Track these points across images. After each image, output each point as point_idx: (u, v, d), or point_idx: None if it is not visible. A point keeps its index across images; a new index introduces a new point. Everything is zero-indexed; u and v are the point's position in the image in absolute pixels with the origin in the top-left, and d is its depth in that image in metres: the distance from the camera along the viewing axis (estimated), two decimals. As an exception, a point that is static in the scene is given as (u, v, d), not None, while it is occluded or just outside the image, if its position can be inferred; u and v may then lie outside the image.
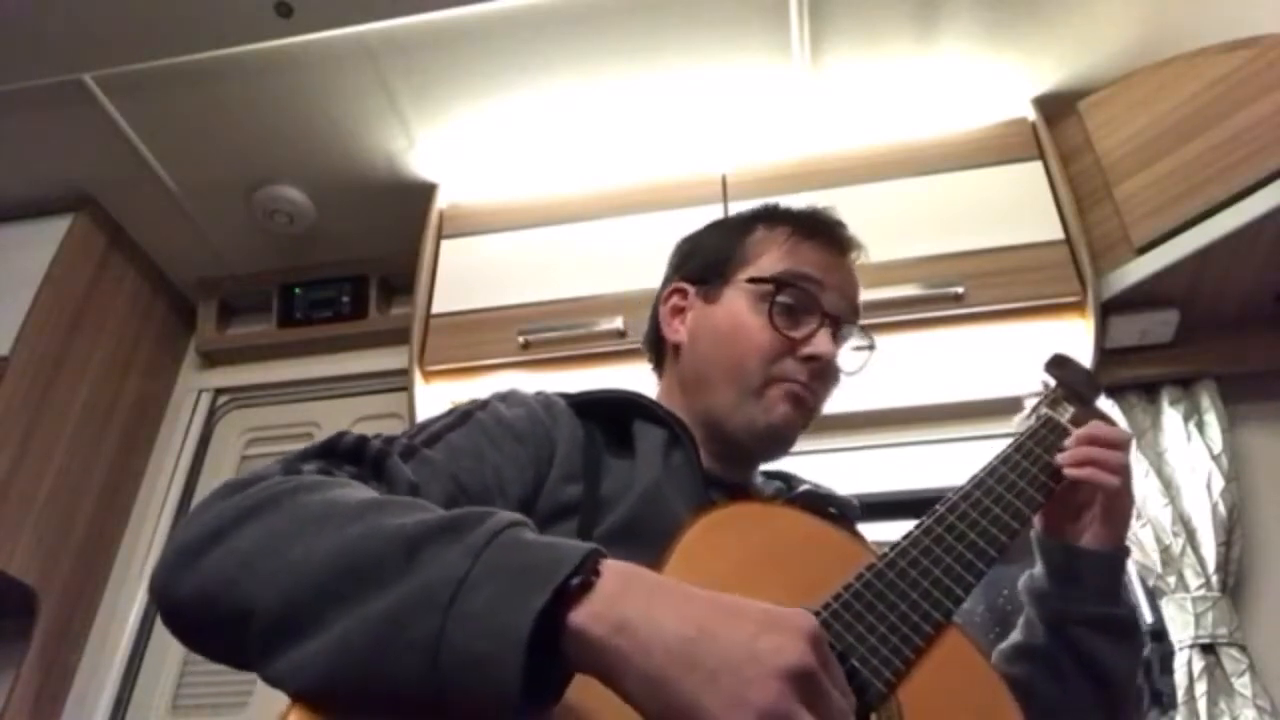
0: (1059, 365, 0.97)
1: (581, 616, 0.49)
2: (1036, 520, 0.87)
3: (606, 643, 0.48)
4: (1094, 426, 0.87)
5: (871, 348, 0.96)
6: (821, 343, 0.88)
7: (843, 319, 0.92)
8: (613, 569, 0.52)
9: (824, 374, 0.90)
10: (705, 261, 0.98)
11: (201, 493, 2.09)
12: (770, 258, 0.93)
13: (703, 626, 0.48)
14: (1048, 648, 0.85)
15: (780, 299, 0.89)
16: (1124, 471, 0.84)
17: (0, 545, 1.77)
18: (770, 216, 0.98)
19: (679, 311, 0.97)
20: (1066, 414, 0.91)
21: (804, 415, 0.90)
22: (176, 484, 2.10)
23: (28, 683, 1.78)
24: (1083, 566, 0.84)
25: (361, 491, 0.62)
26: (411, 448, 0.73)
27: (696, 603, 0.50)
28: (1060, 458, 0.85)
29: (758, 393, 0.88)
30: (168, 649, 1.90)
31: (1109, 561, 0.84)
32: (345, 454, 0.70)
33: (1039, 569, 0.88)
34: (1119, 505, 0.84)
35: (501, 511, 0.56)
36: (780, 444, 0.92)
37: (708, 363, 0.92)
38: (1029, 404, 0.95)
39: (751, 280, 0.91)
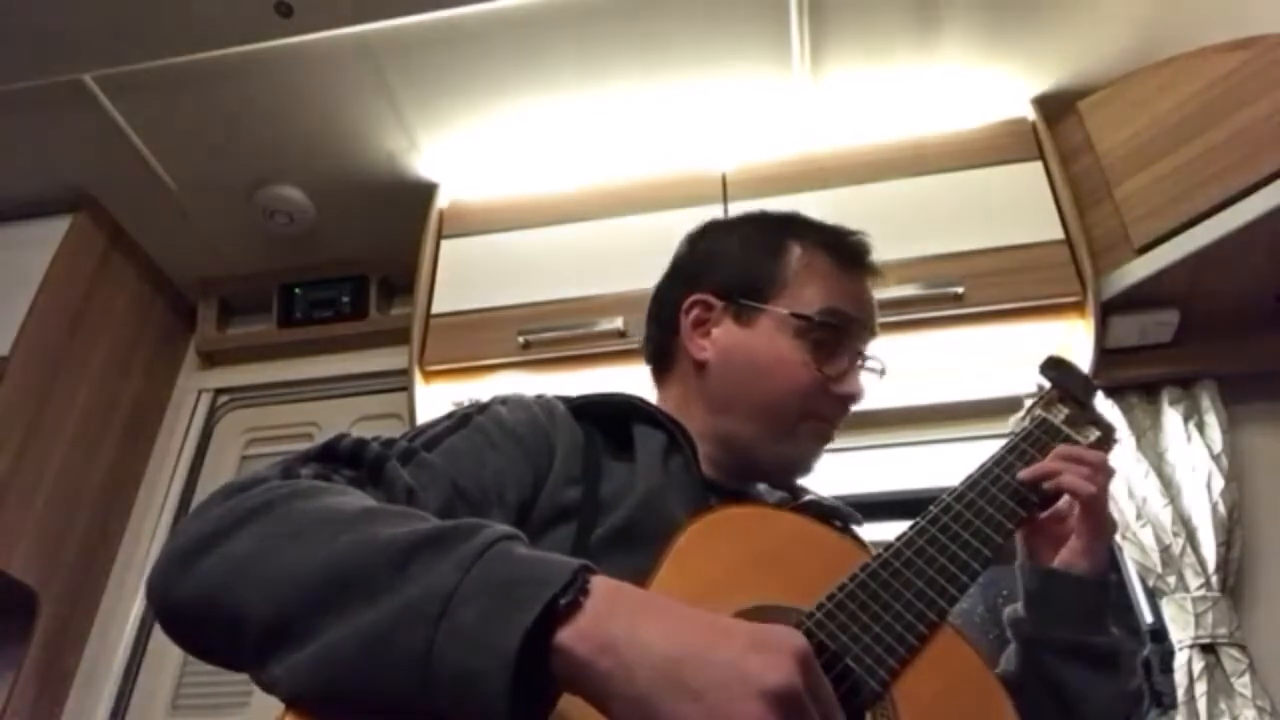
0: (1054, 367, 0.97)
1: (567, 636, 0.49)
2: (1020, 550, 0.86)
3: (591, 662, 0.48)
4: (1070, 448, 0.85)
5: (882, 373, 0.97)
6: (855, 383, 0.91)
7: (865, 350, 0.94)
8: (602, 586, 0.51)
9: (848, 407, 0.93)
10: (735, 278, 0.94)
11: (201, 493, 2.09)
12: (813, 291, 0.91)
13: (690, 646, 0.48)
14: (1019, 676, 0.82)
15: (824, 337, 0.90)
16: (1097, 481, 0.81)
17: (0, 545, 1.77)
18: (804, 236, 0.96)
19: (701, 324, 0.94)
20: (1061, 415, 0.91)
21: (825, 446, 0.93)
22: (176, 484, 2.10)
23: (28, 683, 1.78)
24: (1054, 588, 0.82)
25: (357, 499, 0.62)
26: (411, 451, 0.73)
27: (686, 622, 0.50)
28: (1023, 474, 0.83)
29: (791, 430, 0.90)
30: (168, 649, 1.90)
31: (1082, 586, 0.81)
32: (344, 457, 0.69)
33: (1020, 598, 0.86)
34: (1096, 520, 0.81)
35: (494, 524, 0.55)
36: (803, 474, 0.94)
37: (741, 390, 0.91)
38: (1028, 404, 0.95)
39: (796, 315, 0.90)
